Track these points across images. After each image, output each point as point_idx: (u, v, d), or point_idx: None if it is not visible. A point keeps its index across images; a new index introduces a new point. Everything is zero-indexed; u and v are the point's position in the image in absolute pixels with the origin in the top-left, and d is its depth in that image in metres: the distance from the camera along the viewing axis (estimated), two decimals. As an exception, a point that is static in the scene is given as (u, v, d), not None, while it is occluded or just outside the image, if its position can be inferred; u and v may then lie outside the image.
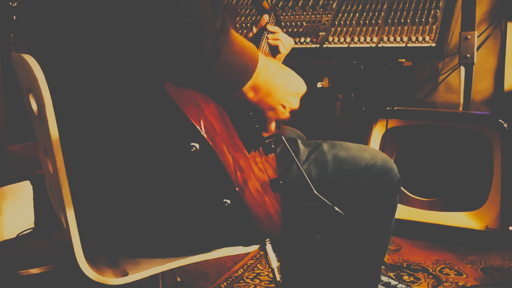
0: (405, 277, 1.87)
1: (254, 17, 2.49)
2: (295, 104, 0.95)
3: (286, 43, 1.42)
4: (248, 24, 2.45)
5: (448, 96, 2.74)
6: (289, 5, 2.52)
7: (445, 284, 1.82)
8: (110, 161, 0.86)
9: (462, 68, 2.49)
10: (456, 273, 1.91)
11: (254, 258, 2.04)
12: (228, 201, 0.81)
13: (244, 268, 1.96)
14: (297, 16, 2.46)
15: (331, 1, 2.47)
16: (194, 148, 0.76)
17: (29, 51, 0.92)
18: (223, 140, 0.80)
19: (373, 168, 1.08)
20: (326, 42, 2.25)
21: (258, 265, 1.98)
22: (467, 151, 2.11)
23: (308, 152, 1.09)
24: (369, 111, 2.24)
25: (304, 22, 2.41)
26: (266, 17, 1.44)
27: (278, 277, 1.00)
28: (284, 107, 0.93)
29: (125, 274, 0.93)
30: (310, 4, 2.49)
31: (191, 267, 1.92)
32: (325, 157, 1.08)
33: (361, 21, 2.28)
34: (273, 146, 0.93)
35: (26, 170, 1.97)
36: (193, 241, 0.96)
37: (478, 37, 2.42)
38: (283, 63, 1.31)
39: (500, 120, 2.00)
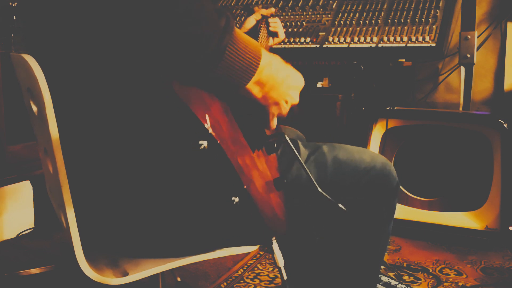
0: (405, 277, 1.87)
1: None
2: (296, 98, 0.96)
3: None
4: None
5: (448, 96, 2.74)
6: (289, 5, 2.52)
7: (445, 284, 1.82)
8: (112, 160, 0.86)
9: (462, 68, 2.49)
10: (456, 273, 1.91)
11: (254, 258, 2.04)
12: (237, 199, 0.81)
13: (244, 268, 1.96)
14: (297, 16, 2.46)
15: (331, 1, 2.47)
16: (203, 146, 0.76)
17: (29, 51, 0.92)
18: (230, 138, 0.80)
19: (372, 171, 1.09)
20: (326, 42, 2.25)
21: (258, 265, 1.98)
22: (467, 151, 2.11)
23: (308, 154, 1.10)
24: (369, 111, 2.24)
25: (304, 22, 2.41)
26: (272, 9, 1.71)
27: (285, 276, 1.00)
28: (286, 102, 0.94)
29: (125, 274, 0.93)
30: (310, 4, 2.49)
31: (191, 267, 1.92)
32: (325, 159, 1.08)
33: (361, 21, 2.28)
34: (275, 145, 0.93)
35: (26, 170, 1.97)
36: (198, 241, 0.95)
37: (478, 37, 2.42)
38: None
39: (500, 120, 2.00)
